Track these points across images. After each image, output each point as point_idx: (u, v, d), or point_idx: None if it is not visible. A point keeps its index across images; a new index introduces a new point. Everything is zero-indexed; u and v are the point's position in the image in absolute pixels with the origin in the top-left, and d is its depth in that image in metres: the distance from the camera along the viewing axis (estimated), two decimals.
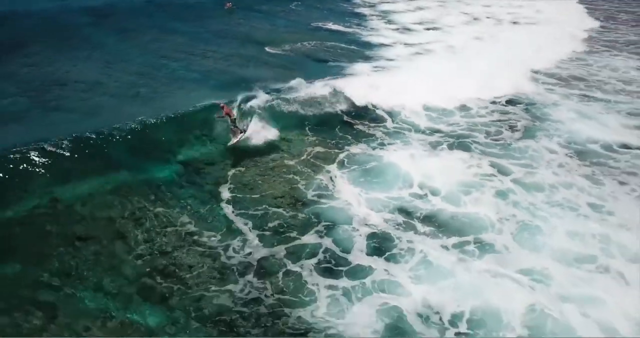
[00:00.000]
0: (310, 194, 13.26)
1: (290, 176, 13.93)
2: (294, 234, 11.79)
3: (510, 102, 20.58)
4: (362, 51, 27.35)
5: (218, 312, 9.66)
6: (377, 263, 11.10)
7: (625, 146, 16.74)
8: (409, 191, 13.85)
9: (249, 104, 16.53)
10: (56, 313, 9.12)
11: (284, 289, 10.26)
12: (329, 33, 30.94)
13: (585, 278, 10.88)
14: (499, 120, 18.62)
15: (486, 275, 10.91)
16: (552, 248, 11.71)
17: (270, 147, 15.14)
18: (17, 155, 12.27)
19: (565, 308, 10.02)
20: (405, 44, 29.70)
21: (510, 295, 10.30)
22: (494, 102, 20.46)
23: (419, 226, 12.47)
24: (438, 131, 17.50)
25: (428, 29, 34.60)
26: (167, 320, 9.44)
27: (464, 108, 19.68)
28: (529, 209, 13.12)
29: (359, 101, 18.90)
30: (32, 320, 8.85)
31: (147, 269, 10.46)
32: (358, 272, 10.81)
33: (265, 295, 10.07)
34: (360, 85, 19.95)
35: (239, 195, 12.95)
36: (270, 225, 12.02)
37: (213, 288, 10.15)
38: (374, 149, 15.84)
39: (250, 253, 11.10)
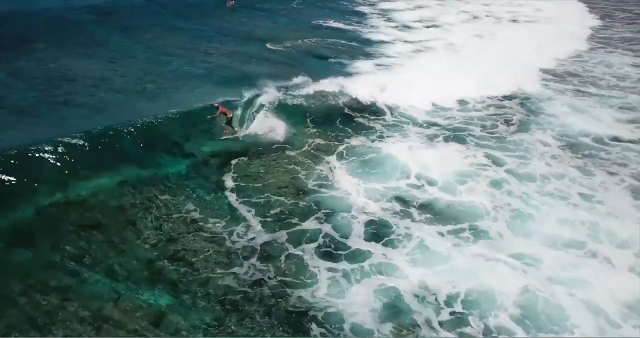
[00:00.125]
0: (310, 184, 13.76)
1: (292, 167, 14.44)
2: (295, 221, 12.29)
3: (506, 97, 21.05)
4: (363, 48, 27.86)
5: (223, 292, 10.11)
6: (375, 248, 11.59)
7: (617, 139, 17.25)
8: (407, 181, 14.33)
9: (253, 98, 16.97)
10: (70, 295, 9.48)
11: (286, 271, 10.75)
12: (330, 30, 31.43)
13: (574, 262, 11.35)
14: (495, 114, 19.13)
15: (480, 259, 11.39)
16: (544, 235, 12.19)
17: (272, 139, 15.57)
18: (32, 149, 12.63)
19: (555, 289, 10.49)
20: (405, 41, 30.20)
21: (503, 277, 10.76)
22: (490, 97, 20.93)
23: (416, 214, 12.96)
24: (435, 124, 18.00)
25: (428, 27, 35.10)
26: (176, 301, 9.86)
27: (461, 103, 20.16)
28: (522, 198, 13.62)
29: (360, 96, 19.35)
30: (48, 301, 9.22)
31: (156, 254, 10.90)
32: (357, 256, 11.29)
33: (268, 277, 10.56)
34: (362, 82, 20.40)
35: (242, 184, 13.47)
36: (272, 212, 12.53)
37: (219, 270, 10.64)
38: (372, 141, 16.35)
39: (253, 239, 11.60)
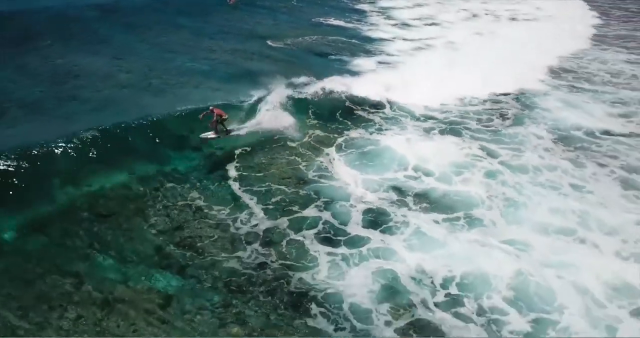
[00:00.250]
0: (310, 174, 14.27)
1: (293, 157, 14.97)
2: (295, 208, 12.79)
3: (503, 93, 21.50)
4: (363, 45, 28.39)
5: (228, 275, 10.61)
6: (373, 234, 12.08)
7: (608, 133, 17.81)
8: (404, 173, 14.81)
9: (259, 96, 17.45)
10: (83, 278, 9.99)
11: (287, 256, 11.25)
12: (330, 28, 31.94)
13: (564, 248, 11.86)
14: (491, 109, 19.63)
15: (475, 245, 11.88)
16: (536, 223, 12.69)
17: (274, 131, 16.06)
18: (47, 144, 13.11)
19: (545, 272, 10.98)
20: (405, 39, 30.67)
21: (497, 262, 11.25)
22: (488, 93, 21.36)
23: (413, 203, 13.45)
24: (433, 118, 18.52)
25: (427, 25, 35.57)
26: (184, 283, 10.33)
27: (459, 98, 20.61)
28: (515, 188, 14.12)
29: (361, 92, 19.78)
30: (61, 286, 9.72)
31: (164, 239, 11.42)
32: (355, 242, 11.79)
33: (271, 261, 11.06)
34: (363, 79, 21.01)
35: (244, 174, 14.02)
36: (274, 200, 13.05)
37: (223, 254, 11.14)
38: (371, 133, 16.86)
39: (256, 225, 12.11)
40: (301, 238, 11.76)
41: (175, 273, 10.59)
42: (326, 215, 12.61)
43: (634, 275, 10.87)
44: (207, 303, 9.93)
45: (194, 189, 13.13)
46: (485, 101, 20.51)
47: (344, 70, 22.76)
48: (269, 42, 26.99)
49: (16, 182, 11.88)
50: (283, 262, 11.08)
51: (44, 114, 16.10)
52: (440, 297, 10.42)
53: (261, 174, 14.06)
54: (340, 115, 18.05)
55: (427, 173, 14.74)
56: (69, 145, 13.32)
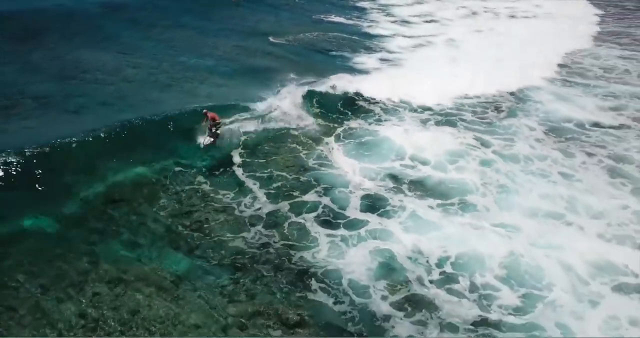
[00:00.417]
0: (311, 162, 14.92)
1: (294, 146, 15.65)
2: (296, 193, 13.46)
3: (500, 88, 22.04)
4: (364, 42, 29.01)
5: (234, 254, 11.25)
6: (370, 217, 12.72)
7: (597, 125, 18.52)
8: (401, 162, 15.44)
9: (260, 87, 18.09)
10: (99, 258, 10.56)
11: (289, 237, 11.90)
12: (331, 25, 32.58)
13: (552, 230, 12.51)
14: (486, 102, 20.26)
15: (469, 228, 12.54)
16: (527, 208, 13.37)
17: (277, 121, 16.70)
18: (61, 138, 13.56)
19: (535, 252, 11.65)
20: (405, 36, 31.30)
21: (490, 243, 11.92)
22: (485, 87, 21.92)
23: (409, 190, 14.08)
24: (429, 109, 19.18)
25: (427, 22, 36.18)
26: (193, 262, 10.94)
27: (458, 93, 21.15)
28: (507, 176, 14.78)
29: (363, 86, 20.39)
30: (77, 266, 10.28)
31: (174, 223, 12.01)
32: (354, 224, 12.44)
33: (273, 241, 11.71)
34: (364, 74, 21.70)
35: (248, 160, 14.75)
36: (275, 185, 13.73)
37: (229, 235, 11.79)
38: (370, 124, 17.52)
39: (259, 208, 12.77)
40: (302, 221, 12.41)
41: (185, 253, 11.21)
42: (325, 200, 13.25)
43: (615, 255, 11.53)
44: (215, 279, 10.55)
45: (200, 175, 13.79)
46: (481, 95, 21.09)
47: (344, 65, 23.48)
48: (271, 39, 27.58)
49: (33, 172, 12.39)
50: (285, 242, 11.72)
51: (54, 108, 16.62)
52: (435, 275, 11.04)
53: (264, 161, 14.75)
54: (340, 107, 18.68)
55: (424, 162, 15.38)
56: (81, 137, 13.83)
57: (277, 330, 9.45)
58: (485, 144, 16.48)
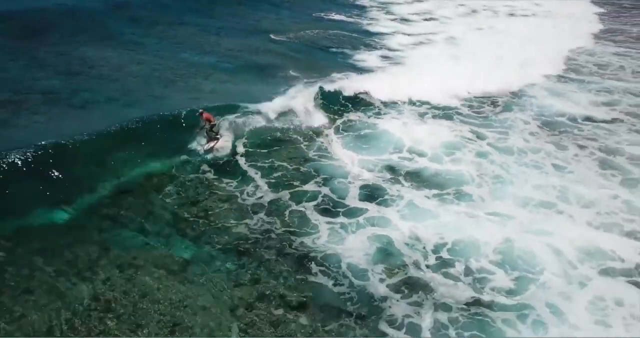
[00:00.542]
0: (311, 154, 15.39)
1: (295, 137, 16.16)
2: (296, 183, 13.93)
3: (498, 84, 22.48)
4: (364, 39, 29.50)
5: (237, 240, 11.70)
6: (369, 206, 13.16)
7: (590, 119, 19.00)
8: (399, 154, 15.91)
9: (262, 82, 18.55)
10: (109, 246, 10.98)
11: (290, 224, 12.35)
12: (331, 22, 33.09)
13: (544, 218, 12.96)
14: (483, 97, 20.74)
15: (464, 216, 12.98)
16: (520, 197, 13.79)
17: (279, 114, 17.18)
18: (72, 135, 13.97)
19: (527, 239, 12.07)
20: (404, 33, 31.77)
21: (485, 230, 12.33)
22: (483, 84, 22.36)
23: (406, 180, 14.51)
24: (427, 103, 19.68)
25: (426, 20, 36.66)
26: (199, 248, 11.39)
27: (456, 89, 21.57)
28: (502, 167, 15.24)
29: (363, 82, 20.87)
30: (89, 252, 10.72)
31: (180, 211, 12.45)
32: (353, 213, 12.88)
33: (275, 228, 12.17)
34: (365, 71, 22.16)
35: (250, 150, 15.28)
36: (277, 175, 14.21)
37: (233, 222, 12.26)
38: (369, 117, 18.00)
39: (261, 197, 13.25)
40: (302, 209, 12.88)
41: (192, 239, 11.66)
42: (325, 190, 13.72)
43: (603, 241, 11.99)
44: (220, 264, 11.00)
45: (205, 165, 14.29)
46: (479, 91, 21.52)
47: (345, 62, 24.03)
48: (272, 36, 28.08)
49: (45, 165, 12.81)
50: (286, 229, 12.17)
51: (62, 103, 17.08)
52: (431, 260, 11.45)
53: (266, 152, 15.26)
54: (342, 100, 19.13)
55: (421, 154, 15.85)
56: (91, 132, 14.27)
57: (280, 310, 9.91)
58: (480, 137, 16.97)
